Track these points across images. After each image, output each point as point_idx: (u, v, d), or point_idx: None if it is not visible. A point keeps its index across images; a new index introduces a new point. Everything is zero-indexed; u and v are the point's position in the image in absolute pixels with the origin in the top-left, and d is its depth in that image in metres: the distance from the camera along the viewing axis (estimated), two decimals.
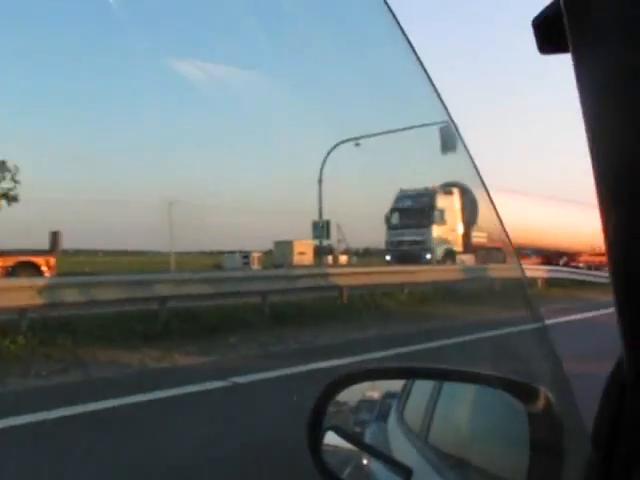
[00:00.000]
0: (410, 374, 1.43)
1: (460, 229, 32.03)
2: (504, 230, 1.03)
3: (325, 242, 39.05)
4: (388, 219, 33.15)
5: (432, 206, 31.33)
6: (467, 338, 10.48)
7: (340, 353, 9.26)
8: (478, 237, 30.95)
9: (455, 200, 31.72)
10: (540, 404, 1.04)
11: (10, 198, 41.80)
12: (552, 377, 1.09)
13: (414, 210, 31.71)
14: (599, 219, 0.66)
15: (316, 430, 1.33)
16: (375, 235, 24.92)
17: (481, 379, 1.20)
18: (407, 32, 0.85)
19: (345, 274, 16.86)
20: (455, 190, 31.45)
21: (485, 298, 19.08)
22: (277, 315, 13.34)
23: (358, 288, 16.85)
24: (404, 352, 9.44)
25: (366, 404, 1.43)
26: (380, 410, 1.46)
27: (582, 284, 23.58)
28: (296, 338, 11.42)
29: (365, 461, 1.35)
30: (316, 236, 35.93)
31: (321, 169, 36.98)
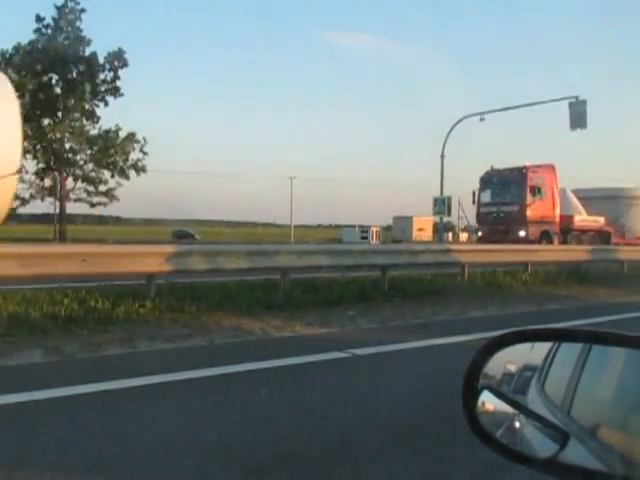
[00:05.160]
0: (572, 337, 1.38)
1: None
2: None
3: (445, 219, 38.51)
4: None
5: None
6: (594, 320, 10.14)
7: (460, 330, 9.15)
8: None
9: None
10: None
11: (138, 169, 43.79)
12: None
13: None
14: None
15: (471, 388, 1.35)
16: None
17: None
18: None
19: (466, 251, 16.63)
20: None
21: (612, 280, 18.37)
22: (396, 289, 13.33)
23: (479, 266, 16.61)
24: None
25: (506, 376, 1.41)
26: (517, 382, 1.43)
27: None
28: (415, 313, 11.37)
29: (517, 424, 1.34)
30: (436, 212, 35.34)
31: (444, 144, 36.48)
